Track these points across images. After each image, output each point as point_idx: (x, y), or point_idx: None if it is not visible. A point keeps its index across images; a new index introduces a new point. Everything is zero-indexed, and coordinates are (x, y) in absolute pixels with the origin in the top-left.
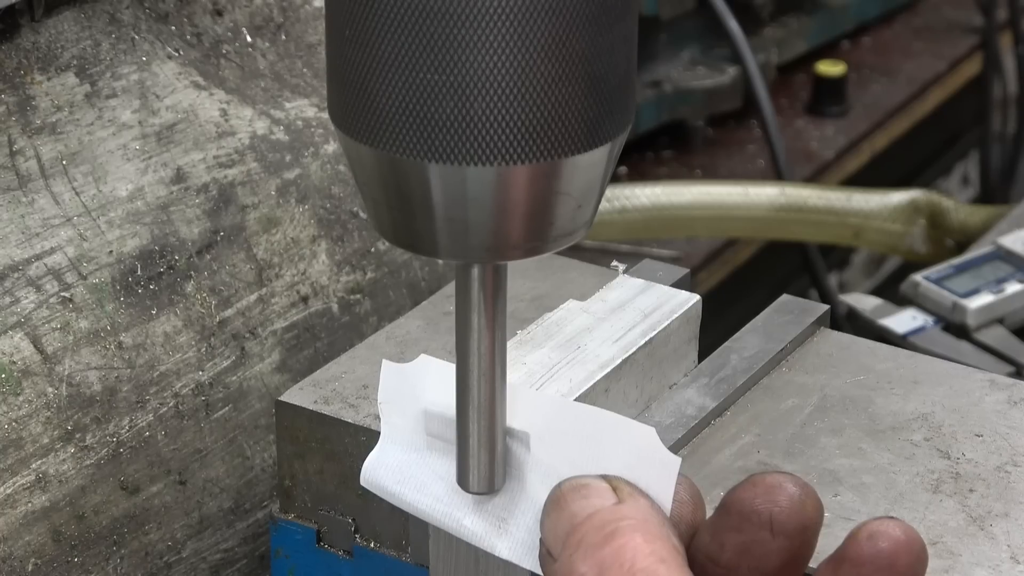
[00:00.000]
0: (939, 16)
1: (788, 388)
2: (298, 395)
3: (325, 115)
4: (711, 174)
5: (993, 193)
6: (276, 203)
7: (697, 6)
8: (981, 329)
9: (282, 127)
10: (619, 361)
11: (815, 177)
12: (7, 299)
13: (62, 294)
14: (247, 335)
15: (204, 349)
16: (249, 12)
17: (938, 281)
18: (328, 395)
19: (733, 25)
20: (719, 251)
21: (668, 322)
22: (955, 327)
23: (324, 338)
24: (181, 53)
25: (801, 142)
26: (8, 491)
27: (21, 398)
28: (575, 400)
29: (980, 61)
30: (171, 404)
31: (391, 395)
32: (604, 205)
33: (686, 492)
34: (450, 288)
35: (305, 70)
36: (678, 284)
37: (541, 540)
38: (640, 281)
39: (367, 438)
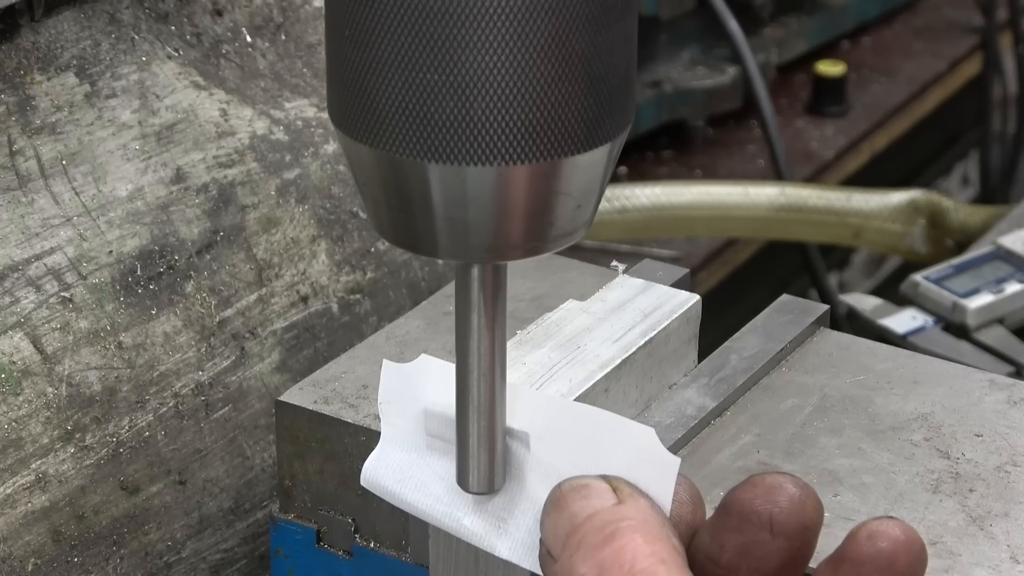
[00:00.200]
0: (939, 16)
1: (788, 388)
2: (298, 395)
3: (325, 115)
4: (711, 174)
5: (993, 193)
6: (276, 203)
7: (697, 6)
8: (981, 329)
9: (282, 127)
10: (619, 361)
11: (815, 177)
12: (7, 299)
13: (62, 294)
14: (247, 335)
15: (204, 349)
16: (249, 12)
17: (938, 281)
18: (328, 395)
19: (733, 25)
20: (719, 251)
21: (668, 322)
22: (955, 327)
23: (324, 338)
24: (181, 53)
25: (801, 142)
26: (8, 491)
27: (21, 398)
28: (575, 400)
29: (980, 61)
30: (171, 404)
31: (391, 395)
32: (604, 205)
33: (686, 492)
34: (450, 288)
35: (305, 70)
36: (678, 284)
37: (541, 540)
38: (640, 281)
39: (367, 438)
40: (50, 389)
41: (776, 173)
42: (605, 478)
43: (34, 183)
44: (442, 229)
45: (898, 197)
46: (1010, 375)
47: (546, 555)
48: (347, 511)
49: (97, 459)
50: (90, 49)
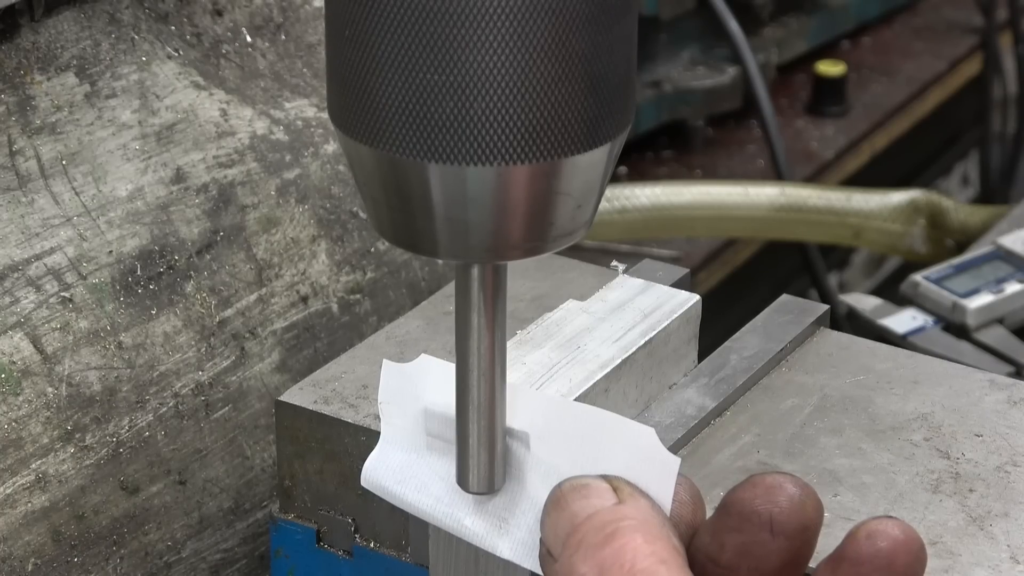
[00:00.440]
0: (939, 16)
1: (788, 388)
2: (298, 395)
3: (325, 115)
4: (711, 174)
5: (993, 193)
6: (276, 203)
7: (697, 6)
8: (981, 329)
9: (282, 127)
10: (619, 361)
11: (815, 177)
12: (7, 299)
13: (62, 294)
14: (247, 335)
15: (204, 349)
16: (249, 12)
17: (938, 281)
18: (328, 395)
19: (733, 25)
20: (719, 251)
21: (668, 322)
22: (955, 327)
23: (324, 338)
24: (181, 53)
25: (801, 142)
26: (8, 491)
27: (21, 398)
28: (575, 400)
29: (980, 61)
30: (171, 404)
31: (391, 395)
32: (604, 205)
33: (686, 492)
34: (450, 288)
35: (305, 70)
36: (678, 284)
37: (541, 540)
38: (640, 281)
39: (367, 438)
40: (50, 389)
41: (776, 173)
42: (605, 478)
43: (34, 183)
44: (442, 229)
45: (898, 197)
46: (1010, 375)
47: (546, 555)
48: (347, 511)
49: (97, 459)
50: (90, 49)
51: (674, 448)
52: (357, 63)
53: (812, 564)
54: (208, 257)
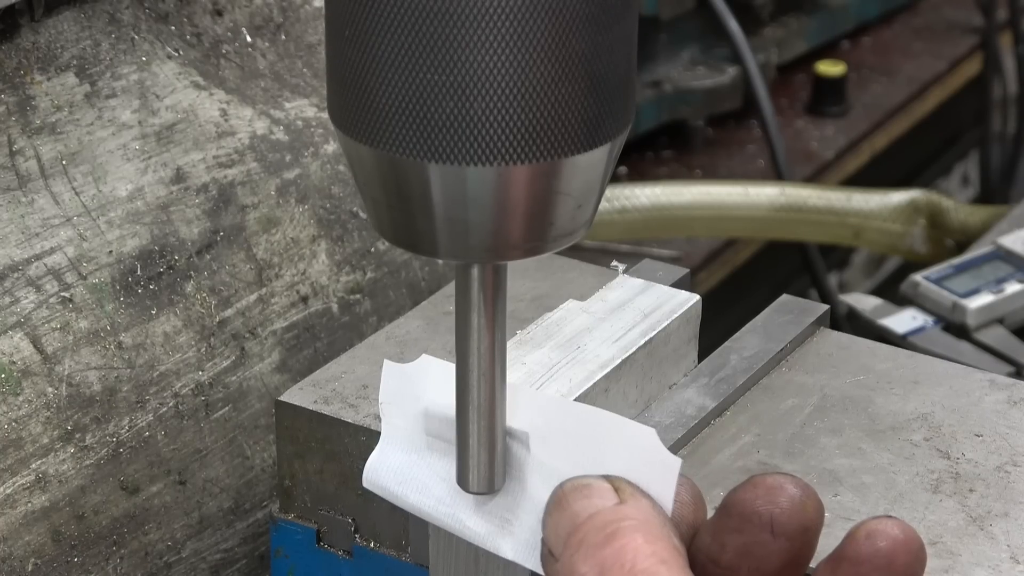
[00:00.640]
0: (939, 16)
1: (788, 388)
2: (298, 395)
3: (325, 115)
4: (711, 174)
5: (993, 193)
6: (276, 203)
7: (697, 6)
8: (981, 329)
9: (282, 127)
10: (619, 361)
11: (815, 177)
12: (7, 299)
13: (62, 294)
14: (247, 335)
15: (204, 349)
16: (249, 12)
17: (938, 281)
18: (328, 395)
19: (733, 25)
20: (719, 251)
21: (668, 322)
22: (955, 327)
23: (324, 338)
24: (181, 53)
25: (801, 142)
26: (8, 491)
27: (21, 398)
28: (575, 400)
29: (980, 61)
30: (171, 404)
31: (392, 395)
32: (604, 205)
33: (687, 493)
34: (450, 288)
35: (305, 70)
36: (678, 284)
37: (543, 540)
38: (640, 281)
39: (367, 438)
40: (50, 389)
41: (776, 173)
42: (607, 478)
43: (34, 183)
44: (442, 229)
45: (898, 197)
46: (1010, 375)
47: (548, 555)
48: (347, 511)
49: (97, 459)
50: (90, 49)
51: (674, 448)
52: (357, 63)
53: (812, 564)
54: (208, 257)
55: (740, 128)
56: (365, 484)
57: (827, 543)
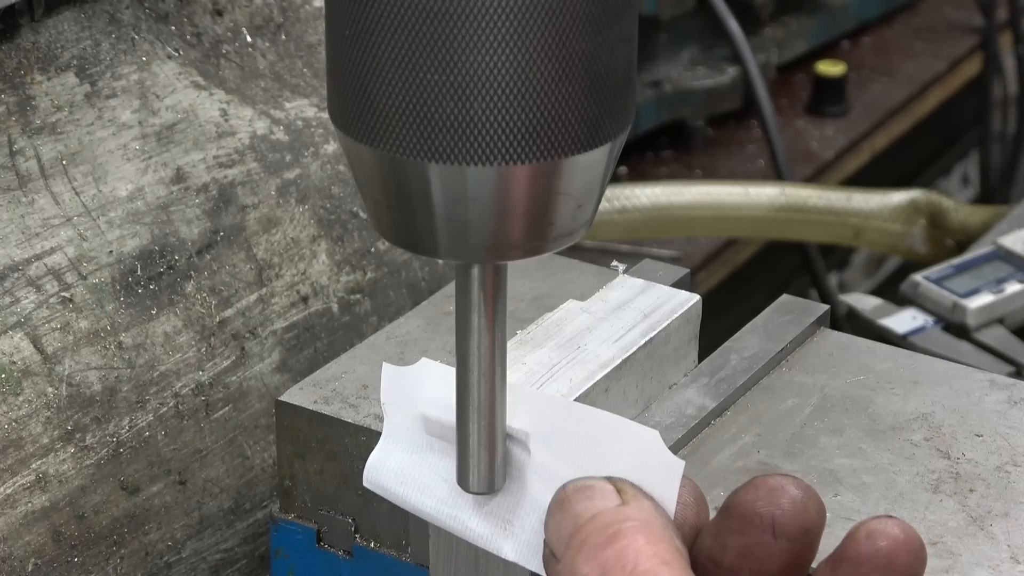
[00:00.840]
0: (939, 16)
1: (788, 388)
2: (298, 395)
3: (325, 115)
4: (711, 174)
5: (993, 193)
6: (276, 203)
7: (697, 6)
8: (981, 329)
9: (282, 127)
10: (619, 361)
11: (815, 177)
12: (7, 299)
13: (62, 294)
14: (247, 335)
15: (204, 349)
16: (249, 12)
17: (938, 281)
18: (328, 395)
19: (733, 25)
20: (719, 251)
21: (668, 322)
22: (955, 327)
23: (324, 338)
24: (181, 53)
25: (801, 142)
26: (8, 491)
27: (21, 398)
28: (576, 400)
29: (980, 61)
30: (171, 404)
31: (392, 396)
32: (604, 205)
33: (689, 494)
34: (450, 288)
35: (305, 70)
36: (678, 284)
37: (545, 541)
38: (640, 281)
39: (367, 438)
40: (50, 389)
41: (776, 173)
42: (610, 479)
43: (34, 183)
44: (442, 229)
45: (898, 197)
46: (1010, 375)
47: (550, 556)
48: (347, 511)
49: (97, 459)
50: (90, 49)
51: (674, 448)
52: (357, 63)
53: (812, 564)
54: (208, 257)
55: (740, 128)
56: (365, 483)
57: (827, 543)
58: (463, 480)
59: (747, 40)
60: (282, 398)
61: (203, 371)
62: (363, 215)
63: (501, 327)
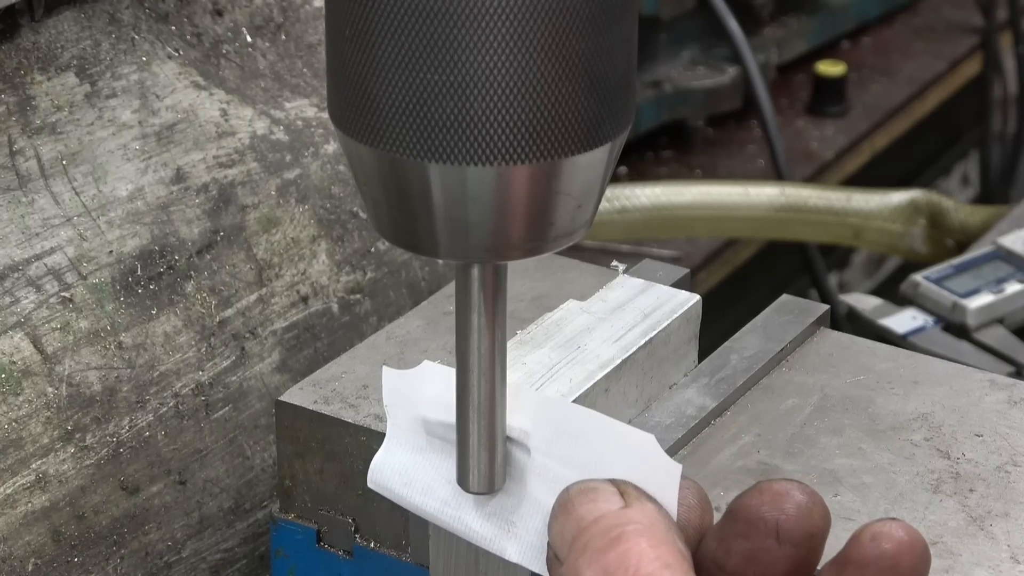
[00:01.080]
0: (939, 16)
1: (788, 388)
2: (298, 395)
3: (325, 115)
4: (711, 174)
5: (993, 193)
6: (276, 203)
7: (697, 6)
8: (981, 329)
9: (282, 127)
10: (619, 361)
11: (815, 177)
12: (7, 299)
13: (62, 294)
14: (247, 335)
15: (204, 349)
16: (249, 12)
17: (938, 281)
18: (328, 395)
19: (733, 25)
20: (719, 251)
21: (668, 322)
22: (955, 327)
23: (324, 338)
24: (181, 53)
25: (801, 142)
26: (8, 491)
27: (21, 398)
28: (576, 400)
29: (980, 61)
30: (171, 404)
31: (396, 398)
32: (604, 205)
33: (694, 496)
34: (450, 288)
35: (305, 70)
36: (678, 284)
37: (548, 543)
38: (640, 281)
39: (367, 438)
40: (50, 389)
41: (776, 173)
42: (613, 482)
43: (34, 183)
44: (442, 229)
45: (898, 197)
46: (1010, 375)
47: (553, 558)
48: (347, 511)
49: (97, 459)
50: (90, 49)
51: (674, 448)
52: (357, 63)
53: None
54: (208, 257)
55: (740, 128)
56: (370, 484)
57: (829, 544)
58: (463, 480)
59: (747, 40)
60: (282, 398)
61: (203, 371)
62: (363, 215)
63: (501, 327)
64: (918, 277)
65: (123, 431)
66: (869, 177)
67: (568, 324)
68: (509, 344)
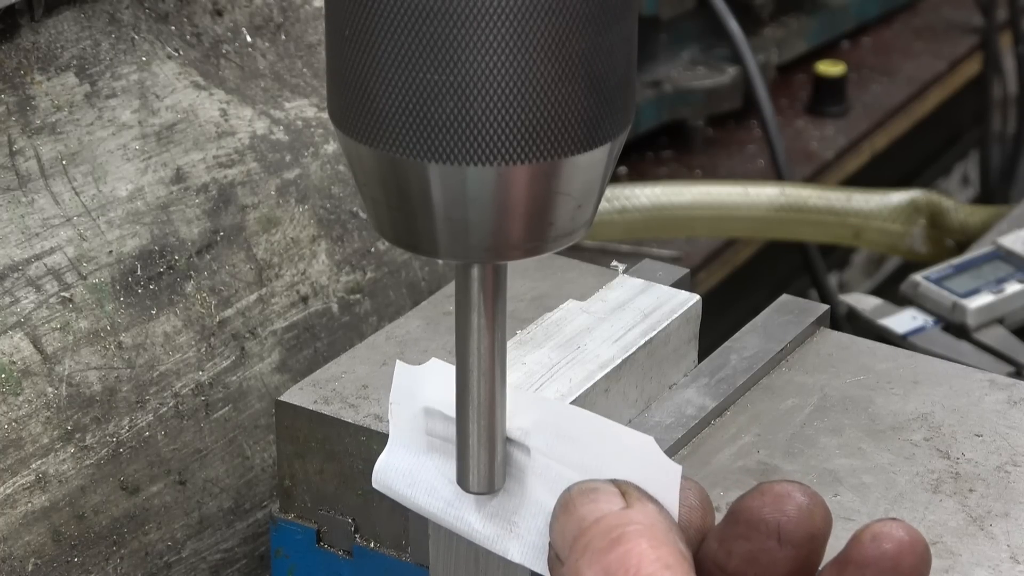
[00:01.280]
0: (939, 16)
1: (788, 388)
2: (298, 395)
3: (325, 115)
4: (711, 174)
5: (993, 193)
6: (276, 203)
7: (697, 6)
8: (981, 329)
9: (282, 127)
10: (619, 361)
11: (815, 177)
12: (7, 299)
13: (62, 294)
14: (247, 335)
15: (204, 349)
16: (249, 12)
17: (938, 281)
18: (328, 395)
19: (733, 25)
20: (719, 251)
21: (668, 322)
22: (955, 327)
23: (324, 338)
24: (181, 53)
25: (801, 142)
26: (8, 491)
27: (21, 398)
28: (576, 401)
29: (980, 61)
30: (171, 404)
31: (401, 396)
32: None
33: (695, 497)
34: (450, 288)
35: (305, 70)
36: (678, 284)
37: (550, 543)
38: (640, 281)
39: (367, 438)
40: (50, 389)
41: (776, 173)
42: (615, 482)
43: (34, 183)
44: (442, 229)
45: (898, 197)
46: (1010, 375)
47: (554, 558)
48: (347, 511)
49: (97, 459)
50: (90, 49)
51: (674, 448)
52: (357, 63)
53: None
54: (208, 257)
55: (740, 128)
56: (374, 485)
57: (829, 544)
58: (463, 480)
59: (747, 40)
60: (282, 398)
61: (203, 371)
62: (363, 215)
63: (501, 327)
64: (918, 277)
65: (123, 431)
66: (869, 177)
67: (568, 324)
68: (509, 344)
